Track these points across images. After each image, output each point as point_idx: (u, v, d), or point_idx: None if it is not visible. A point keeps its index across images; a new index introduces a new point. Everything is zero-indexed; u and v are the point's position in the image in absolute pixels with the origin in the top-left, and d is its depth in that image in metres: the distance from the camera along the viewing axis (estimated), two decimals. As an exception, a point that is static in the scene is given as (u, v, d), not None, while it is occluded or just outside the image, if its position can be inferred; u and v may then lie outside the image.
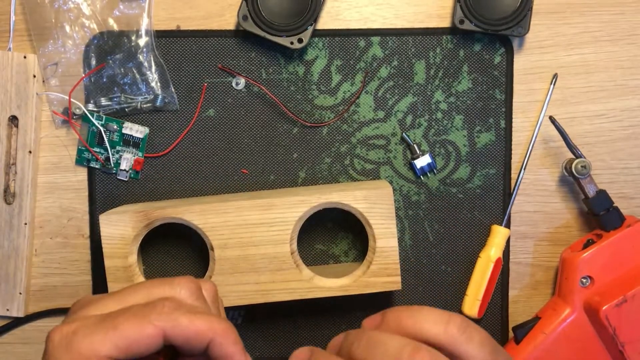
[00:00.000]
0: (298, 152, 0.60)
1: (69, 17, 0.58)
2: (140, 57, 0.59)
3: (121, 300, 0.39)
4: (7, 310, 0.60)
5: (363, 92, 0.60)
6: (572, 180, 0.59)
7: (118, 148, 0.59)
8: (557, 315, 0.56)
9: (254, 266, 0.54)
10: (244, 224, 0.54)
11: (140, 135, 0.59)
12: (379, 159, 0.60)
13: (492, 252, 0.59)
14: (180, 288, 0.40)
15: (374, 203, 0.54)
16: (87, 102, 0.59)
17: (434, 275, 0.61)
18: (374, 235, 0.54)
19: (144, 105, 0.59)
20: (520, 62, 0.60)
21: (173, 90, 0.59)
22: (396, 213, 0.60)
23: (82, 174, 0.61)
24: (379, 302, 0.61)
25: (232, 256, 0.54)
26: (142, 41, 0.59)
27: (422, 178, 0.60)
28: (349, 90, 0.60)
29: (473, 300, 0.60)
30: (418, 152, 0.60)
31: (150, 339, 0.36)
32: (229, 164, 0.60)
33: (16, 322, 0.62)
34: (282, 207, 0.54)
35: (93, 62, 0.59)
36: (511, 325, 0.60)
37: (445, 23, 0.60)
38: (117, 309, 0.38)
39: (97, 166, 0.60)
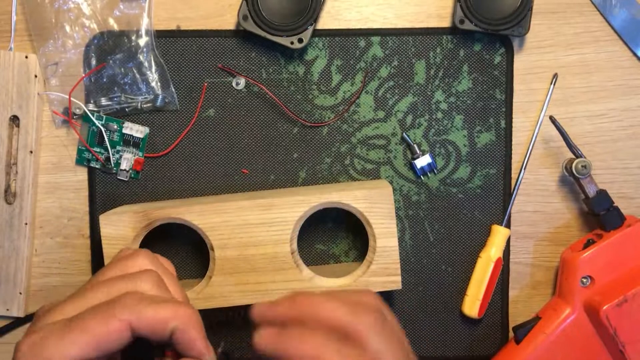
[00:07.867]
0: (298, 152, 0.60)
1: (69, 17, 0.58)
2: (141, 57, 0.59)
3: (82, 302, 0.39)
4: (7, 310, 0.60)
5: (363, 92, 0.60)
6: (572, 180, 0.59)
7: (118, 148, 0.59)
8: (557, 315, 0.56)
9: (254, 266, 0.54)
10: (244, 224, 0.54)
11: (141, 135, 0.59)
12: (379, 158, 0.60)
13: (492, 252, 0.59)
14: (141, 281, 0.40)
15: (374, 203, 0.54)
16: (87, 102, 0.59)
17: (434, 275, 0.61)
18: (374, 235, 0.54)
19: (144, 105, 0.59)
20: (520, 62, 0.60)
21: (173, 90, 0.59)
22: (396, 213, 0.60)
23: (82, 174, 0.61)
24: (379, 302, 0.61)
25: (232, 256, 0.54)
26: (142, 41, 0.59)
27: (422, 178, 0.60)
28: (349, 90, 0.60)
29: (473, 300, 0.60)
30: (418, 152, 0.60)
31: (118, 334, 0.37)
32: (229, 164, 0.60)
33: (16, 322, 0.62)
34: (282, 207, 0.54)
35: (93, 62, 0.59)
36: (511, 325, 0.60)
37: (446, 23, 0.60)
38: (81, 311, 0.39)
39: (97, 166, 0.60)
